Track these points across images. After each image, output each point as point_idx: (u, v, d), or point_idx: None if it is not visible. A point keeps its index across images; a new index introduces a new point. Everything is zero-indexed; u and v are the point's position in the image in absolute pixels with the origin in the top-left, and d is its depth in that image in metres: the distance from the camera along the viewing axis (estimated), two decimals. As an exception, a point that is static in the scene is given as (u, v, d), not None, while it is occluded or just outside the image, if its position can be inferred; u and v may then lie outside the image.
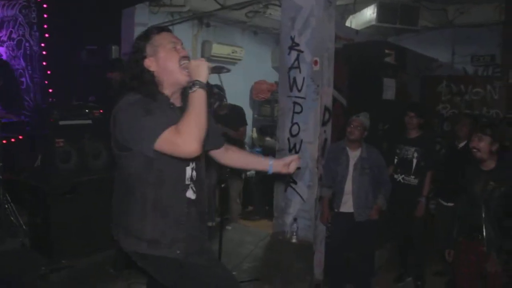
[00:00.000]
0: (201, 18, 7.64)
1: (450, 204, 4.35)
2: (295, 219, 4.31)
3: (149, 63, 2.11)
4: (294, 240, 4.24)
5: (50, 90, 6.34)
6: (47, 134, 4.24)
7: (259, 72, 8.76)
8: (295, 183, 4.39)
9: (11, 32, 6.07)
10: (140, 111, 1.96)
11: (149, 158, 1.99)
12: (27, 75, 6.24)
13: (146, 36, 2.16)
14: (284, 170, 2.46)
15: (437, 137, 5.71)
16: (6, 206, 4.90)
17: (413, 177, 4.41)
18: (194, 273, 2.19)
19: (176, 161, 2.05)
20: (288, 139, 4.44)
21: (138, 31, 6.79)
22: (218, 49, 7.94)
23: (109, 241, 4.59)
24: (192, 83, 1.98)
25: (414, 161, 4.40)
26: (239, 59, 8.47)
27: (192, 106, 1.94)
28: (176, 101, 2.19)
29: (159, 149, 1.93)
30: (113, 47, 6.22)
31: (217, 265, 2.38)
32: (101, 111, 4.58)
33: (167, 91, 2.15)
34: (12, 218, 4.94)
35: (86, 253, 4.47)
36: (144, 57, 2.11)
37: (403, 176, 4.45)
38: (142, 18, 6.86)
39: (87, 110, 4.51)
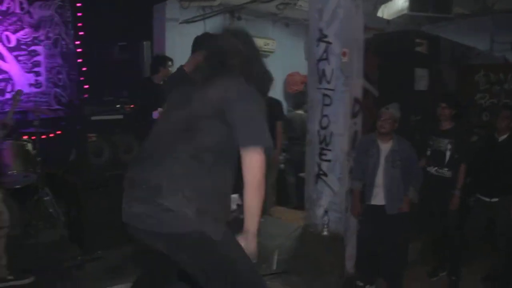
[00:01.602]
0: (232, 12, 7.64)
1: (495, 200, 4.22)
2: (326, 212, 4.29)
3: None
4: (325, 233, 4.22)
5: (86, 86, 6.52)
6: (80, 129, 4.35)
7: (291, 64, 8.71)
8: (326, 175, 4.36)
9: (48, 31, 6.23)
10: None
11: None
12: (64, 72, 6.42)
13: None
14: None
15: (475, 128, 5.55)
16: (46, 198, 5.08)
17: (446, 169, 4.30)
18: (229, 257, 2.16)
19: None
20: (318, 132, 4.41)
21: (169, 26, 6.89)
22: (250, 42, 7.94)
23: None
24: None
25: (448, 153, 4.29)
26: (271, 52, 8.44)
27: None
28: None
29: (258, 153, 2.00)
30: (145, 43, 6.31)
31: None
32: (132, 106, 4.66)
33: None
34: (51, 211, 5.12)
35: (118, 244, 4.58)
36: None
37: (436, 168, 4.35)
38: (173, 13, 6.93)
39: (118, 105, 4.59)
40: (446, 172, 4.30)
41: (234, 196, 5.65)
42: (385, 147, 3.99)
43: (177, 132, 2.12)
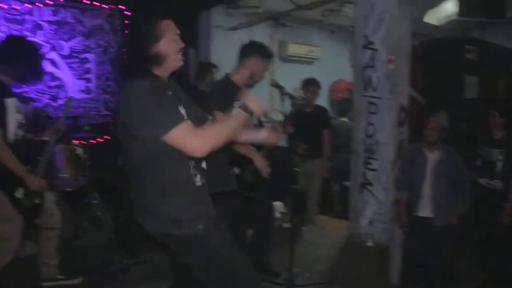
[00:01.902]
0: (276, 19, 7.66)
1: None
2: (371, 222, 4.24)
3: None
4: (369, 243, 4.16)
5: (133, 93, 6.66)
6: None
7: (337, 71, 8.64)
8: (371, 184, 4.30)
9: (98, 39, 6.44)
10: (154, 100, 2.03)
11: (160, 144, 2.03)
12: (113, 79, 6.62)
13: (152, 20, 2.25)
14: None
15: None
16: (94, 202, 5.23)
17: (497, 180, 4.15)
18: (221, 255, 2.23)
19: None
20: (363, 140, 4.36)
21: (214, 33, 6.97)
22: (294, 49, 7.95)
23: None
24: (244, 107, 2.12)
25: (499, 163, 4.15)
26: (316, 58, 8.41)
27: (229, 122, 2.12)
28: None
29: (168, 142, 2.00)
30: (191, 50, 6.41)
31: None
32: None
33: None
34: (99, 214, 5.27)
35: (163, 249, 4.65)
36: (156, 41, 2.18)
37: (486, 180, 4.21)
38: (218, 21, 7.01)
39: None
40: (497, 183, 4.15)
41: (278, 204, 5.70)
42: (432, 157, 3.89)
43: None
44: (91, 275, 4.11)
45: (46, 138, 3.75)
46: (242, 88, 3.55)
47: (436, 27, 5.87)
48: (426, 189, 3.87)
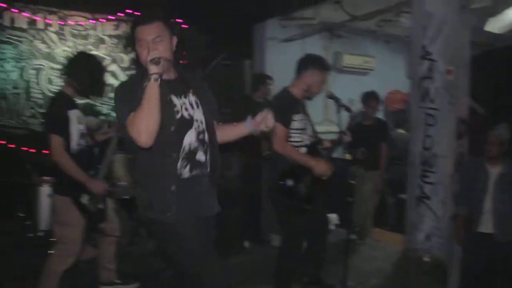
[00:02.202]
0: (331, 30, 7.63)
1: None
2: (427, 237, 4.11)
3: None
4: (426, 259, 4.03)
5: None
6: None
7: (392, 81, 8.47)
8: (428, 198, 4.18)
9: (156, 51, 6.65)
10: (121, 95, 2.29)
11: None
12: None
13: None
14: (262, 127, 2.48)
15: None
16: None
17: None
18: (186, 247, 2.35)
19: (167, 130, 2.24)
20: (421, 153, 4.25)
21: (269, 45, 7.03)
22: (349, 60, 7.87)
23: (237, 249, 4.86)
24: (148, 76, 2.12)
25: None
26: (371, 69, 8.29)
27: (144, 100, 2.10)
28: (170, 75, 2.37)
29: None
30: (245, 62, 6.49)
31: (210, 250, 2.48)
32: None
33: None
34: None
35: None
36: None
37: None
38: (273, 32, 7.05)
39: (220, 123, 4.73)
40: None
41: (333, 216, 5.65)
42: (494, 171, 3.73)
43: None
44: (147, 281, 4.22)
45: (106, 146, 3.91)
46: (300, 100, 3.56)
47: (497, 35, 5.65)
48: (488, 204, 3.72)
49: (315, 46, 7.22)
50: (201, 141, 2.41)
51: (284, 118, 3.36)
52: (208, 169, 2.45)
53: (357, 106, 5.56)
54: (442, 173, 4.06)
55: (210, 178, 2.47)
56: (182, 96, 2.40)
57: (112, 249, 3.95)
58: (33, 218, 4.39)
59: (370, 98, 5.49)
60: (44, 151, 5.40)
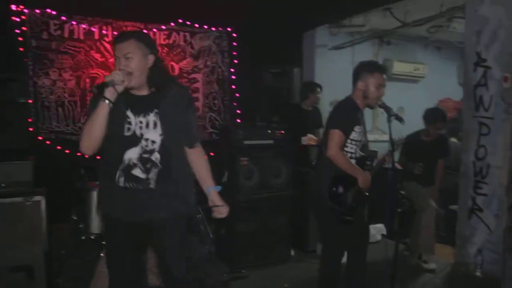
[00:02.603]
0: (381, 37, 7.54)
1: None
2: (479, 251, 3.98)
3: None
4: (478, 274, 3.91)
5: (239, 111, 6.95)
6: (233, 153, 4.59)
7: (443, 89, 8.27)
8: (481, 210, 4.06)
9: (206, 60, 6.78)
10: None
11: None
12: (219, 98, 6.91)
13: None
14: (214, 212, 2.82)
15: None
16: (198, 216, 5.45)
17: None
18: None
19: (114, 144, 2.49)
20: (474, 163, 4.14)
21: (318, 53, 7.02)
22: (399, 67, 7.75)
23: (283, 257, 4.86)
24: (103, 96, 2.33)
25: None
26: (422, 77, 8.14)
27: (92, 116, 2.37)
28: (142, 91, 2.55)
29: None
30: (295, 70, 6.51)
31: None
32: (282, 132, 4.80)
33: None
34: (201, 227, 5.47)
35: (262, 265, 4.74)
36: None
37: None
38: (322, 40, 7.05)
39: (269, 131, 4.76)
40: None
41: (379, 226, 5.55)
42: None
43: None
44: (192, 286, 4.26)
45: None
46: (361, 111, 3.54)
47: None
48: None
49: (364, 53, 7.15)
50: (144, 159, 2.54)
51: (345, 126, 3.36)
52: (152, 185, 2.57)
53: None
54: (496, 184, 3.94)
55: (154, 193, 2.58)
56: (141, 115, 2.54)
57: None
58: (86, 222, 4.53)
59: (437, 118, 5.03)
60: (97, 157, 5.62)
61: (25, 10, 5.64)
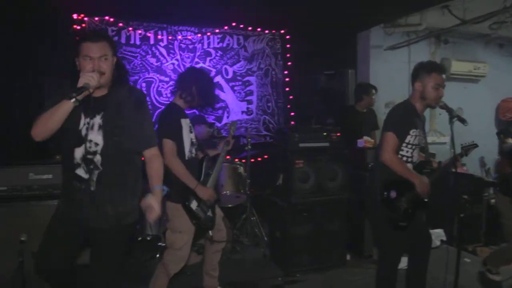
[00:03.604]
0: (438, 35, 7.32)
1: None
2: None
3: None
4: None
5: (292, 114, 6.92)
6: (288, 155, 4.56)
7: (505, 88, 7.93)
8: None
9: (260, 63, 6.80)
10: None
11: None
12: (273, 100, 6.91)
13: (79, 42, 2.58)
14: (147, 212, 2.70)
15: None
16: (252, 218, 5.46)
17: None
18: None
19: (66, 140, 2.57)
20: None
21: (373, 53, 6.90)
22: (458, 67, 7.47)
23: (338, 261, 4.79)
24: (69, 94, 2.37)
25: None
26: (482, 76, 7.80)
27: (54, 108, 2.40)
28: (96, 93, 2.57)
29: None
30: (349, 71, 6.41)
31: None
32: (338, 134, 4.73)
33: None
34: (256, 230, 5.49)
35: (317, 269, 4.68)
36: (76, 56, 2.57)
37: None
38: (377, 40, 6.91)
39: (325, 133, 4.69)
40: None
41: (438, 231, 5.38)
42: None
43: None
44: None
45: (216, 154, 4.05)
46: (420, 116, 3.44)
47: None
48: None
49: (420, 53, 6.98)
50: (87, 160, 2.58)
51: (399, 129, 3.28)
52: (93, 188, 2.59)
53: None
54: None
55: (96, 197, 2.61)
56: (89, 116, 2.59)
57: (218, 257, 4.06)
58: (142, 223, 4.62)
59: None
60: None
61: (85, 18, 5.86)
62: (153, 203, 2.66)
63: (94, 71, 2.48)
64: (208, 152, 3.93)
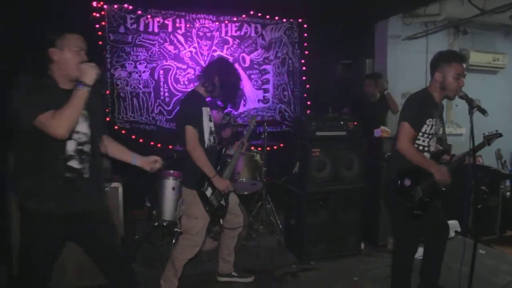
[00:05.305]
0: (457, 26, 7.24)
1: None
2: None
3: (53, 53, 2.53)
4: None
5: (309, 103, 6.92)
6: (305, 144, 4.58)
7: (525, 80, 7.85)
8: None
9: (277, 51, 6.80)
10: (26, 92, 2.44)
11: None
12: (289, 89, 6.91)
13: (61, 33, 2.53)
14: (146, 166, 2.95)
15: None
16: (267, 206, 5.50)
17: None
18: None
19: (52, 139, 2.46)
20: None
21: (391, 43, 6.85)
22: (476, 58, 7.39)
23: (353, 250, 4.81)
24: (80, 83, 2.42)
25: None
26: (502, 67, 7.70)
27: (72, 101, 2.40)
28: (66, 85, 2.57)
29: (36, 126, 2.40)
30: (367, 61, 6.39)
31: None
32: (355, 123, 4.73)
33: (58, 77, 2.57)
34: (271, 218, 5.53)
35: (331, 257, 4.72)
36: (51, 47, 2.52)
37: None
38: (395, 30, 6.85)
39: (342, 122, 4.69)
40: None
41: (453, 222, 5.36)
42: None
43: None
44: (261, 276, 4.33)
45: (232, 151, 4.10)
46: (438, 104, 3.43)
47: None
48: None
49: (439, 43, 6.91)
50: (79, 151, 2.64)
51: (415, 118, 3.27)
52: (87, 175, 2.68)
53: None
54: None
55: (90, 182, 2.69)
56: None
57: (234, 242, 4.12)
58: (159, 209, 4.68)
59: None
60: (169, 146, 5.80)
61: (105, 6, 5.92)
62: (155, 157, 2.99)
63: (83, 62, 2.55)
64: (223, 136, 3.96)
